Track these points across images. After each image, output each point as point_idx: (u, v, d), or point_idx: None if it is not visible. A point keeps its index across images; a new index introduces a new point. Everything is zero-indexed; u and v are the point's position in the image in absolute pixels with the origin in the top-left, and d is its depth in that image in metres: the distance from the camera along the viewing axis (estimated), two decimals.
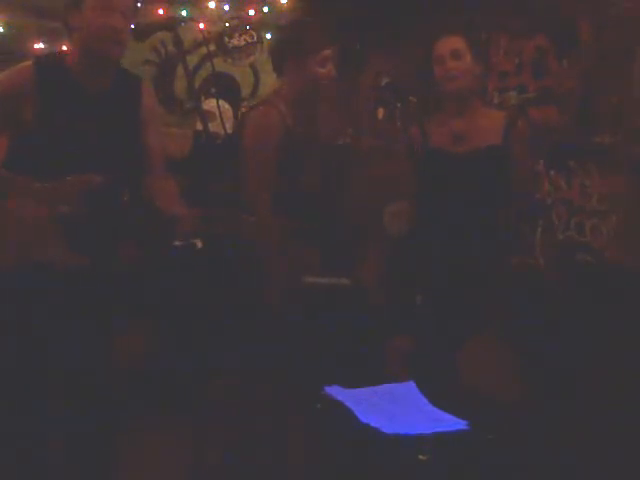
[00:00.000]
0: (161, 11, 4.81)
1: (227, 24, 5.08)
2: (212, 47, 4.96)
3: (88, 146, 2.33)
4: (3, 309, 2.35)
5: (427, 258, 2.84)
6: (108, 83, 2.43)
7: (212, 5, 5.15)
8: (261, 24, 5.15)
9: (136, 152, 2.45)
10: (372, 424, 1.89)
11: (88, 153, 2.32)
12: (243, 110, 2.80)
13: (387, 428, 1.87)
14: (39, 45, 4.63)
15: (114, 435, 2.55)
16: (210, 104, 4.48)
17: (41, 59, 2.43)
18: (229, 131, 3.10)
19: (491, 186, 2.78)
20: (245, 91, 5.73)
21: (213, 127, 3.04)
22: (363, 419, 1.92)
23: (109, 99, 2.42)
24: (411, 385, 2.13)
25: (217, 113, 2.81)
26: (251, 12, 5.17)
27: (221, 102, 4.71)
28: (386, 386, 2.14)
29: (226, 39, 5.06)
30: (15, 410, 2.39)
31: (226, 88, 5.45)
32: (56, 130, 2.31)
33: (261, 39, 5.15)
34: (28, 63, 2.40)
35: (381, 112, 4.94)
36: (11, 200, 2.28)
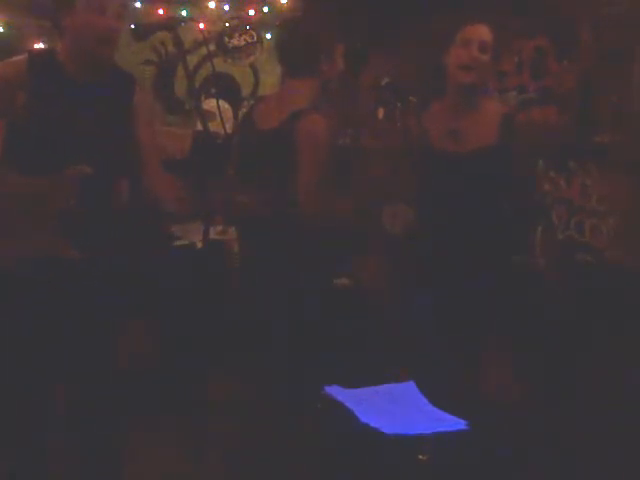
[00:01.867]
0: (161, 11, 4.81)
1: (227, 24, 5.07)
2: (212, 47, 4.95)
3: (78, 139, 2.34)
4: (3, 307, 2.35)
5: (427, 260, 2.82)
6: (99, 80, 2.43)
7: (212, 5, 5.16)
8: (261, 24, 5.15)
9: (127, 147, 2.45)
10: (372, 424, 1.89)
11: (78, 146, 2.33)
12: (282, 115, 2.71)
13: (387, 428, 1.87)
14: (39, 45, 4.63)
15: (114, 436, 2.55)
16: (210, 104, 4.47)
17: (35, 52, 2.45)
18: (229, 131, 3.10)
19: (493, 186, 2.73)
20: (245, 91, 5.73)
21: (213, 127, 3.04)
22: (363, 419, 1.92)
23: (99, 94, 2.42)
24: (411, 385, 2.13)
25: (217, 113, 2.81)
26: (251, 12, 5.17)
27: (221, 102, 4.70)
28: (386, 386, 2.14)
29: (226, 39, 5.06)
30: (15, 410, 2.40)
31: (226, 88, 5.46)
32: (45, 122, 2.32)
33: (261, 39, 5.15)
34: (23, 56, 2.42)
35: (381, 112, 4.94)
36: (8, 198, 2.29)
